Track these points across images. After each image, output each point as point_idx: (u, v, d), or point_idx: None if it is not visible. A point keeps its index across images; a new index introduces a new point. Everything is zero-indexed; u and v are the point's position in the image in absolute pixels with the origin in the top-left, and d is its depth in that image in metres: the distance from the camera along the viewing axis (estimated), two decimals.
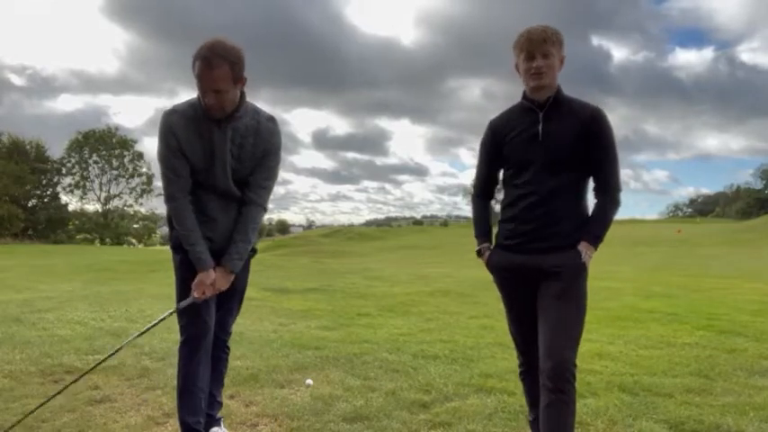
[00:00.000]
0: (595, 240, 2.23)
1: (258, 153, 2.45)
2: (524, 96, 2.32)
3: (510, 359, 4.12)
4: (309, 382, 3.46)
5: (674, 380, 3.69)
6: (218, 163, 2.39)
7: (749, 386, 3.57)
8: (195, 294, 2.39)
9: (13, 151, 39.97)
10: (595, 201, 2.30)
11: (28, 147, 41.33)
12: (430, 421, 2.93)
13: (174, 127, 2.34)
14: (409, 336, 5.13)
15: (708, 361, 4.20)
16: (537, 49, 2.20)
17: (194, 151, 2.36)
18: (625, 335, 5.15)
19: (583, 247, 2.20)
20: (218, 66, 2.21)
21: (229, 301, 2.62)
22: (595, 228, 2.24)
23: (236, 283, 2.56)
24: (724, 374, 3.84)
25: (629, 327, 5.58)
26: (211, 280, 2.39)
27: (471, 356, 4.31)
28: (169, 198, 2.40)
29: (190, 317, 2.45)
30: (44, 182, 42.44)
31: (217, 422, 2.71)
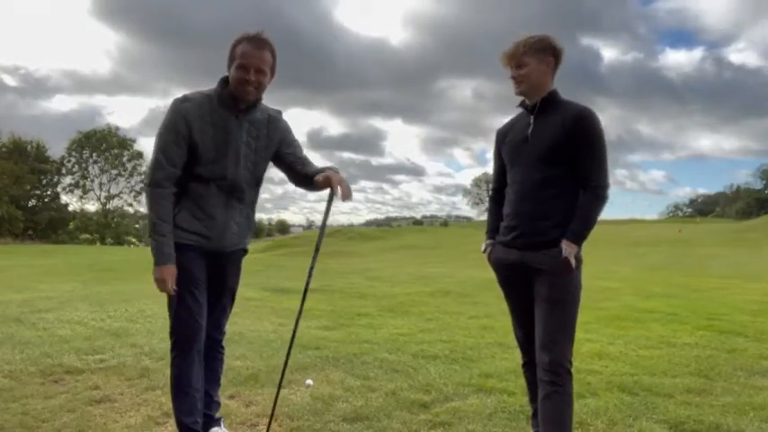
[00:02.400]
0: (575, 237, 2.26)
1: (272, 145, 2.52)
2: (521, 102, 2.46)
3: (510, 359, 4.12)
4: (309, 382, 3.45)
5: (674, 380, 3.69)
6: (231, 152, 2.39)
7: (749, 386, 3.57)
8: (175, 289, 2.34)
9: (13, 151, 40.02)
10: (581, 198, 2.34)
11: (28, 147, 41.40)
12: (430, 421, 2.93)
13: (186, 114, 2.32)
14: (409, 336, 5.13)
15: (708, 361, 4.20)
16: (509, 61, 2.37)
17: (206, 140, 2.34)
18: (625, 335, 5.15)
19: (564, 244, 2.26)
20: (266, 48, 2.33)
21: (222, 298, 2.61)
22: (575, 224, 2.28)
23: (228, 282, 2.58)
24: (724, 374, 3.84)
25: (629, 327, 5.58)
26: (173, 273, 2.34)
27: (471, 356, 4.31)
28: (154, 183, 2.32)
29: (181, 317, 2.42)
30: (44, 182, 42.49)
31: (216, 422, 2.70)
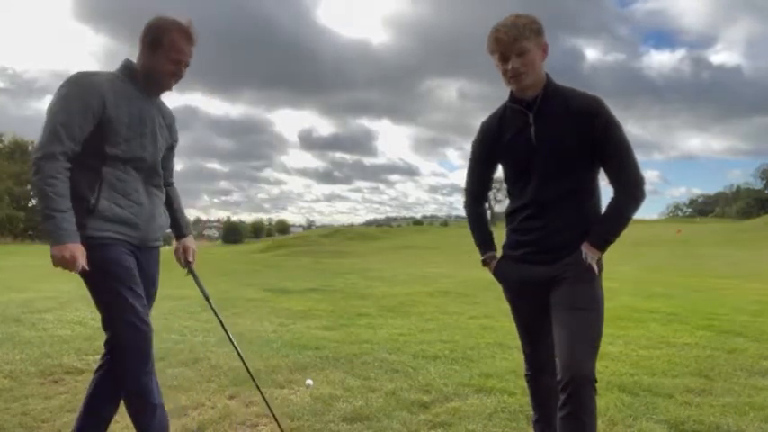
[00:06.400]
0: (600, 241, 2.03)
1: (169, 136, 2.40)
2: (511, 97, 2.13)
3: (510, 359, 4.12)
4: (309, 382, 3.46)
5: (674, 380, 3.69)
6: (149, 131, 2.22)
7: (749, 386, 3.57)
8: (86, 266, 2.01)
9: (15, 151, 40.10)
10: (612, 198, 2.07)
11: (29, 147, 41.50)
12: (430, 421, 2.93)
13: (99, 86, 2.08)
14: (409, 336, 5.13)
15: (708, 361, 4.20)
16: (508, 49, 1.98)
17: (121, 115, 2.12)
18: (625, 335, 5.15)
19: (585, 248, 2.03)
20: (193, 42, 2.24)
21: (148, 297, 2.31)
22: (600, 228, 2.04)
23: (155, 282, 2.37)
24: (724, 374, 3.84)
25: (629, 327, 5.58)
26: (83, 251, 2.01)
27: (471, 356, 4.30)
28: (48, 156, 1.98)
29: (128, 321, 2.09)
30: None
31: None
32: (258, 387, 2.65)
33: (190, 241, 2.53)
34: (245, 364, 2.60)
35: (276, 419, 2.65)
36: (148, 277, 2.29)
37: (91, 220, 2.06)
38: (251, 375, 2.63)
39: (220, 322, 2.51)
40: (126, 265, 2.12)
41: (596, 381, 1.97)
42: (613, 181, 2.06)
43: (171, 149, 2.47)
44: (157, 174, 2.30)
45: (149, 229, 2.25)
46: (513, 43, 1.96)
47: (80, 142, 2.05)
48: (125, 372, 2.15)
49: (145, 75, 2.22)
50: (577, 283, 2.03)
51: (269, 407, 2.64)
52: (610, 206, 2.07)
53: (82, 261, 1.99)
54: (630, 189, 2.03)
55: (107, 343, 2.23)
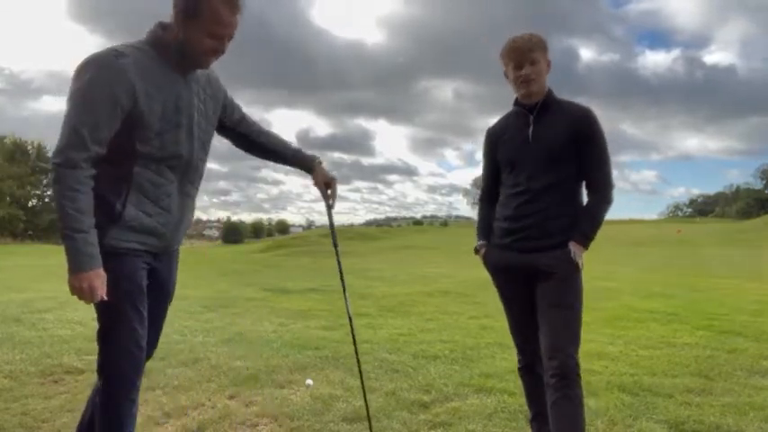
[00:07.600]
0: (584, 239, 2.25)
1: (218, 109, 2.10)
2: (516, 102, 2.40)
3: (510, 359, 4.12)
4: (309, 382, 3.46)
5: (674, 380, 3.69)
6: (185, 122, 1.90)
7: (749, 386, 3.57)
8: (105, 297, 1.79)
9: (15, 152, 40.14)
10: (587, 199, 2.34)
11: (30, 148, 41.56)
12: (430, 421, 2.93)
13: (127, 74, 1.73)
14: (409, 336, 5.13)
15: (708, 361, 4.20)
16: (523, 57, 2.27)
17: (154, 108, 1.80)
18: (625, 335, 5.15)
19: (572, 246, 2.23)
20: (239, 10, 1.84)
21: (161, 310, 2.12)
22: (584, 226, 2.26)
23: (171, 288, 2.15)
24: (724, 374, 3.84)
25: (629, 327, 5.58)
26: (104, 278, 1.79)
27: (471, 356, 4.31)
28: (68, 164, 1.69)
29: (124, 345, 1.90)
30: (45, 182, 42.57)
31: None
32: (359, 363, 2.66)
33: (322, 172, 2.29)
34: (355, 345, 2.61)
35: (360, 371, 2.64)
36: (165, 282, 2.10)
37: (114, 228, 1.83)
38: (356, 354, 2.63)
39: (345, 300, 2.49)
40: (139, 282, 1.91)
41: (579, 367, 2.17)
42: (589, 183, 2.32)
43: (225, 111, 2.15)
44: (194, 170, 2.00)
45: (174, 238, 2.03)
46: (528, 53, 2.27)
47: (106, 144, 1.76)
48: (107, 394, 1.96)
49: (178, 49, 1.84)
50: (565, 280, 2.23)
51: (357, 356, 2.63)
52: (586, 206, 2.33)
53: (101, 292, 1.76)
54: (602, 191, 2.30)
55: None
